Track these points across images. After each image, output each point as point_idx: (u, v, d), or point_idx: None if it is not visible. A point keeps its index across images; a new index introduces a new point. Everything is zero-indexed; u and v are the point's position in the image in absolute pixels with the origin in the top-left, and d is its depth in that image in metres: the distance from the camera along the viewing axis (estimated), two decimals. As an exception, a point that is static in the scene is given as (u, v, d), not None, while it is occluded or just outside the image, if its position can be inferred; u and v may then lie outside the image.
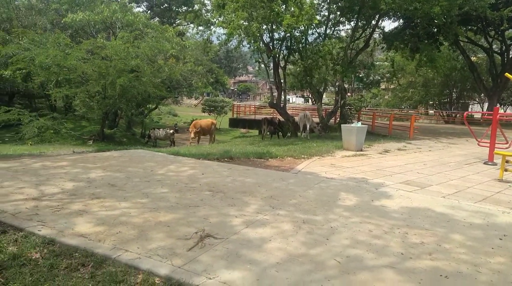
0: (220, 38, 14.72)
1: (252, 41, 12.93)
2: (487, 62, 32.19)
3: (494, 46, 29.84)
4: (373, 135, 15.65)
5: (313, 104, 49.07)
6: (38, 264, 3.07)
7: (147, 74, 18.08)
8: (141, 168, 7.00)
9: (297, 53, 16.53)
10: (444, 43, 21.52)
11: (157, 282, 2.83)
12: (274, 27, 13.71)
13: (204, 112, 39.04)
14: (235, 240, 3.62)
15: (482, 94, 39.73)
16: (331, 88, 32.08)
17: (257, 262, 3.15)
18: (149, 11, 40.20)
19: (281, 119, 19.99)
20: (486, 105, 40.95)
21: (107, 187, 5.44)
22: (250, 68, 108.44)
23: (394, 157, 9.83)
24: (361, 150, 10.58)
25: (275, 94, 18.91)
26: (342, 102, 19.78)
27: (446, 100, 39.63)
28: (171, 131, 21.93)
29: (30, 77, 19.19)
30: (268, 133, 20.15)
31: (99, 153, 8.73)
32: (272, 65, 18.19)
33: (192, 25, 35.59)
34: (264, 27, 13.00)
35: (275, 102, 19.14)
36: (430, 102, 42.03)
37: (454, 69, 34.02)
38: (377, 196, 5.55)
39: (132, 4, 32.08)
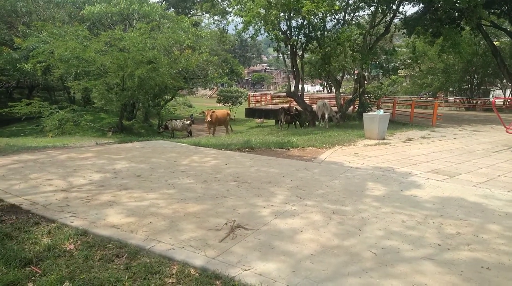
0: (236, 28, 14.51)
1: (270, 29, 12.72)
2: (510, 47, 31.07)
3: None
4: (394, 123, 15.31)
5: (328, 93, 48.48)
6: (73, 256, 3.09)
7: (164, 65, 18.10)
8: (164, 159, 7.02)
9: (315, 41, 16.22)
10: (466, 27, 20.75)
11: (193, 273, 2.81)
12: (292, 14, 13.45)
13: (219, 102, 38.98)
14: (266, 231, 3.58)
15: (505, 80, 38.54)
16: (347, 76, 31.53)
17: (291, 254, 3.10)
18: (164, 1, 40.13)
19: (299, 108, 19.80)
20: (508, 91, 39.78)
21: (133, 178, 5.47)
22: (264, 58, 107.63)
23: (418, 145, 9.59)
24: (384, 139, 10.37)
25: (293, 83, 18.71)
26: (361, 90, 19.40)
27: (467, 86, 38.48)
28: (188, 122, 21.95)
29: (49, 70, 19.49)
30: (285, 122, 20.02)
31: (122, 144, 8.81)
32: (289, 53, 17.94)
33: (207, 15, 35.46)
34: (282, 14, 12.74)
35: (292, 91, 18.96)
36: (450, 89, 40.91)
37: (475, 55, 32.87)
38: (406, 185, 5.42)
39: (148, -6, 32.04)
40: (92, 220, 3.74)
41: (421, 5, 19.39)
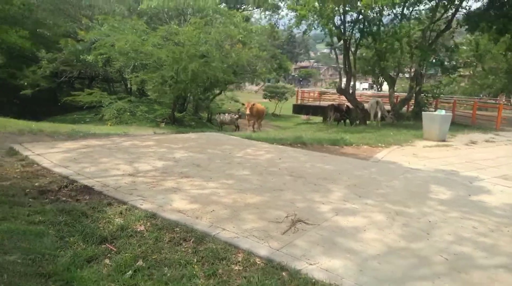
0: (287, 22, 14.35)
1: (325, 23, 12.48)
2: None
3: None
4: (454, 124, 14.43)
5: (378, 91, 46.76)
6: (144, 236, 3.26)
7: (216, 59, 18.42)
8: (220, 150, 7.18)
9: (370, 37, 15.68)
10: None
11: (258, 262, 2.85)
12: (347, 8, 13.10)
13: (265, 98, 38.81)
14: (327, 227, 3.54)
15: None
16: (400, 74, 30.15)
17: (355, 252, 3.05)
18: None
19: (349, 105, 19.32)
20: None
21: (192, 167, 5.65)
22: (312, 54, 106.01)
23: (483, 149, 9.01)
24: (444, 141, 9.84)
25: (344, 79, 18.30)
26: (417, 88, 18.52)
27: None
28: (236, 116, 22.19)
29: (109, 62, 20.60)
30: (334, 120, 19.64)
31: (179, 134, 9.13)
32: (342, 49, 17.52)
33: (257, 10, 35.56)
34: (336, 8, 12.44)
35: (343, 87, 18.53)
36: (515, 91, 37.81)
37: None
38: (474, 190, 5.11)
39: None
40: (160, 204, 3.92)
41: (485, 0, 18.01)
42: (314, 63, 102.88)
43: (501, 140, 10.71)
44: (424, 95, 19.71)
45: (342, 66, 18.34)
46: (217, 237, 3.22)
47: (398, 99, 20.44)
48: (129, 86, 25.15)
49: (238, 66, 26.85)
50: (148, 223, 3.52)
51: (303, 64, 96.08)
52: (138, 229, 3.40)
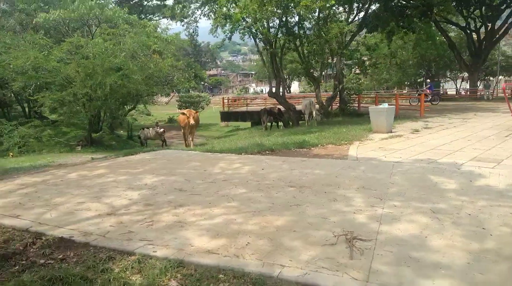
0: (223, 28, 13.70)
1: (259, 28, 12.25)
2: (459, 41, 32.88)
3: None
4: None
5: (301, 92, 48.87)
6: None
7: (134, 71, 16.95)
8: (190, 168, 6.34)
9: (298, 39, 15.96)
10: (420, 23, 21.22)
11: (355, 302, 2.29)
12: (279, 11, 13.07)
13: (180, 108, 37.20)
14: (386, 241, 3.11)
15: (454, 72, 40.84)
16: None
17: (445, 266, 2.66)
18: (118, 7, 38.46)
19: (281, 108, 19.51)
20: (458, 82, 42.11)
21: (176, 192, 4.78)
22: (218, 62, 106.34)
23: (430, 135, 9.55)
24: (391, 132, 10.25)
25: (274, 83, 18.44)
26: (340, 86, 19.46)
27: (422, 79, 40.19)
28: (162, 129, 20.50)
29: (5, 83, 17.81)
30: (269, 123, 19.65)
31: (128, 157, 7.94)
32: (269, 54, 17.55)
33: (170, 19, 34.26)
34: (275, 10, 12.29)
35: (274, 91, 18.66)
36: (406, 83, 42.50)
37: (429, 49, 33.70)
38: (470, 176, 5.17)
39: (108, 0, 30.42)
40: (177, 247, 3.08)
41: (377, 4, 19.38)
42: (221, 71, 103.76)
43: (435, 126, 11.53)
44: (347, 92, 20.84)
45: (271, 70, 18.43)
46: (282, 278, 2.56)
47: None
48: (37, 108, 22.01)
49: (155, 77, 25.49)
50: (179, 275, 2.69)
51: (211, 72, 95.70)
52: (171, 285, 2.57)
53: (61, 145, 17.52)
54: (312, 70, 19.02)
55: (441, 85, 43.22)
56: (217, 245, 3.11)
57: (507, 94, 11.45)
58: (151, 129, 20.45)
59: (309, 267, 2.68)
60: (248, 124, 27.92)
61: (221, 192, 4.75)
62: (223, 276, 2.65)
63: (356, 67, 21.33)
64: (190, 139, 14.29)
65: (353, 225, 3.46)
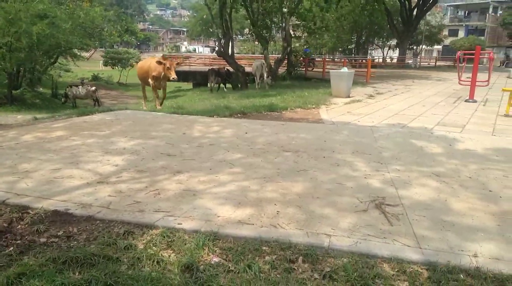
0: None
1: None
2: (394, 7, 33.86)
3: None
4: (328, 81, 15.66)
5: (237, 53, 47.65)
6: (232, 270, 2.22)
7: (63, 19, 14.89)
8: (166, 131, 5.83)
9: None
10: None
11: (421, 271, 2.25)
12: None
13: (106, 65, 33.95)
14: (412, 205, 3.12)
15: (382, 39, 42.96)
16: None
17: (482, 229, 2.74)
18: None
19: (229, 69, 18.95)
20: (386, 49, 44.46)
21: (166, 157, 4.35)
22: (145, 16, 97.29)
23: (386, 101, 9.96)
24: (349, 96, 10.50)
25: (223, 41, 17.67)
26: (289, 49, 19.34)
27: (353, 46, 41.39)
28: (93, 88, 18.27)
29: None
30: (216, 84, 19.07)
31: (83, 117, 7.05)
32: (218, 8, 16.61)
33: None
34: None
35: (222, 50, 17.91)
36: (340, 49, 43.56)
37: (362, 14, 33.92)
38: (447, 141, 5.47)
39: None
40: (202, 218, 2.79)
41: None
42: (149, 26, 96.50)
43: (385, 92, 12.09)
44: (295, 55, 20.82)
45: (219, 27, 17.55)
46: (334, 247, 2.44)
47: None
48: None
49: (91, 28, 22.97)
50: (217, 249, 2.43)
51: (139, 26, 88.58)
52: (213, 261, 2.31)
53: (-25, 104, 15.16)
54: (264, 30, 18.55)
55: (369, 53, 45.32)
56: (246, 214, 2.88)
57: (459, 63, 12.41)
58: (80, 87, 18.25)
59: (355, 235, 2.59)
60: (190, 85, 26.84)
61: (215, 157, 4.43)
62: (267, 248, 2.45)
63: (304, 29, 21.28)
64: (162, 96, 10.71)
65: (373, 191, 3.43)
